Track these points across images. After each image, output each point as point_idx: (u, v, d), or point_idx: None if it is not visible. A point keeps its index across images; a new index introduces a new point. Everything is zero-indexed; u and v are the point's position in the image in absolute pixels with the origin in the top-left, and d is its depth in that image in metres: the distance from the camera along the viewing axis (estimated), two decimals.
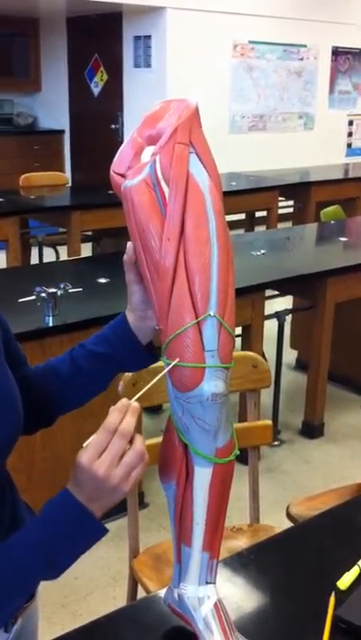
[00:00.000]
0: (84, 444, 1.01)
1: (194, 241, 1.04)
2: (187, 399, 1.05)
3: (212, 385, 1.04)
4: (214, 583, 1.15)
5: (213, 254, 1.05)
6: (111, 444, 0.99)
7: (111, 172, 1.13)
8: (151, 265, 1.08)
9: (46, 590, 2.51)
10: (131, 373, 1.89)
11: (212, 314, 1.04)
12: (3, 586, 1.00)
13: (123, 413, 1.00)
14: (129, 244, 1.13)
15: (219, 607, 1.13)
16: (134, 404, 1.01)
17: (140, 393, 1.08)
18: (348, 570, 1.34)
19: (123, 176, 1.11)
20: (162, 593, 1.26)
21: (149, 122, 1.11)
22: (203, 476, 1.09)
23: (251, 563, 1.41)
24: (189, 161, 1.06)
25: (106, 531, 1.03)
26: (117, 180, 1.12)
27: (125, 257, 1.14)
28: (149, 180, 1.08)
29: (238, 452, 1.12)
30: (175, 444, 1.11)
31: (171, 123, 1.07)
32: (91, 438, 1.01)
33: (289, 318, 4.07)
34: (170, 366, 1.06)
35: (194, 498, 1.09)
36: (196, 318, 1.04)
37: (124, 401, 1.01)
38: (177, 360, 1.05)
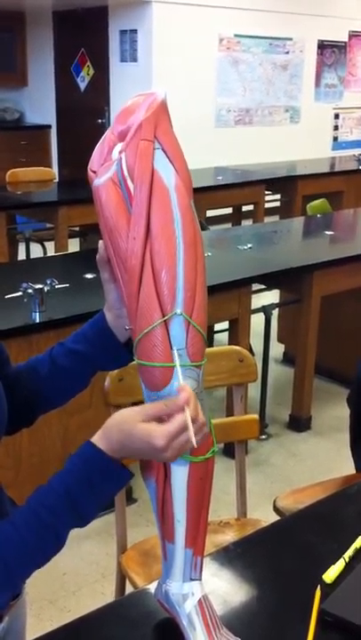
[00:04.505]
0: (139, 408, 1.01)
1: (159, 239, 1.03)
2: (158, 398, 1.04)
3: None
4: (199, 580, 1.15)
5: (179, 252, 1.03)
6: (177, 420, 0.98)
7: (88, 170, 1.11)
8: (120, 264, 1.07)
9: (34, 586, 2.52)
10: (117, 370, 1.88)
11: (178, 312, 1.02)
12: (38, 536, 1.00)
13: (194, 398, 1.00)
14: (100, 242, 1.11)
15: (203, 603, 1.13)
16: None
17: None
18: (334, 563, 1.35)
19: (95, 173, 1.09)
20: (150, 588, 1.26)
21: (122, 117, 1.08)
22: (179, 475, 1.08)
23: (237, 557, 1.41)
24: (155, 157, 1.04)
25: (130, 476, 1.03)
26: (92, 177, 1.10)
27: (98, 256, 1.13)
28: (116, 178, 1.06)
29: (217, 450, 1.11)
30: None
31: (137, 118, 1.04)
32: (148, 405, 1.02)
33: (276, 312, 4.08)
34: None
35: (173, 496, 1.08)
36: (163, 317, 1.02)
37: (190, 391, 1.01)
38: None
